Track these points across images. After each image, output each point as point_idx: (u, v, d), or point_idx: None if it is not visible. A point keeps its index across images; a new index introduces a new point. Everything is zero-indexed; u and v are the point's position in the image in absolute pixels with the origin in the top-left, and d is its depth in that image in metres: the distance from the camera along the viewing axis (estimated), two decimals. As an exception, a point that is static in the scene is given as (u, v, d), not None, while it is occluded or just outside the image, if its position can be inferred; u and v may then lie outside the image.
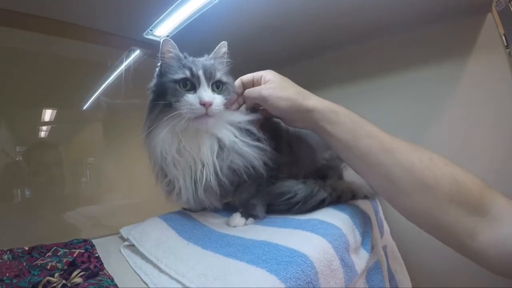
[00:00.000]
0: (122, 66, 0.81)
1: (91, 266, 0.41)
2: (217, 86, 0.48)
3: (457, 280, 0.70)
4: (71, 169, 0.79)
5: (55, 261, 0.43)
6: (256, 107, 0.52)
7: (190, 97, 0.45)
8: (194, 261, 0.37)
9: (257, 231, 0.45)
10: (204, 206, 0.54)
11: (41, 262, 0.43)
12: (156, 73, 0.50)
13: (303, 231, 0.42)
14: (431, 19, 0.73)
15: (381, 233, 0.59)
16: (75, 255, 0.45)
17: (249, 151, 0.47)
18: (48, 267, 0.42)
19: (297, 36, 0.82)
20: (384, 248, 0.59)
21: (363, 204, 0.55)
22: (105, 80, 0.82)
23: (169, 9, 0.65)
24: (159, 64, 0.49)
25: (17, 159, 0.71)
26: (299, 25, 0.75)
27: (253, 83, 0.50)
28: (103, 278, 0.38)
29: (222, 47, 0.51)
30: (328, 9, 0.68)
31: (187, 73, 0.46)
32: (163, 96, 0.46)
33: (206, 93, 0.45)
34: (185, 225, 0.49)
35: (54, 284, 0.36)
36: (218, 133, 0.47)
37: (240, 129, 0.48)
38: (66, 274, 0.39)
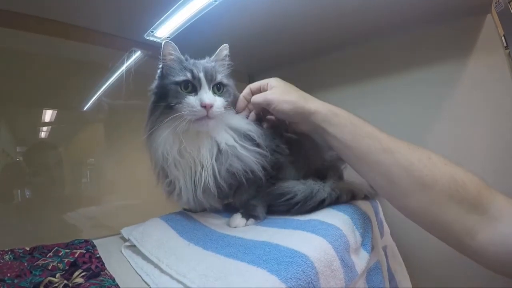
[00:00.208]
0: (123, 67, 0.81)
1: (93, 267, 0.41)
2: (218, 88, 0.48)
3: (457, 280, 0.70)
4: (71, 170, 0.79)
5: (56, 262, 0.43)
6: (265, 113, 0.54)
7: (191, 99, 0.45)
8: (195, 262, 0.37)
9: (257, 231, 0.45)
10: (204, 207, 0.55)
11: (43, 262, 0.43)
12: (157, 75, 0.50)
13: (304, 232, 0.42)
14: (430, 20, 0.73)
15: (381, 233, 0.59)
16: (76, 255, 0.46)
17: (248, 155, 0.47)
18: (50, 268, 0.42)
19: (298, 37, 0.82)
20: (384, 248, 0.59)
21: (363, 204, 0.56)
22: (106, 81, 0.82)
23: (170, 11, 0.65)
24: (160, 66, 0.50)
25: (18, 159, 0.70)
26: (300, 26, 0.75)
27: (260, 90, 0.53)
28: (105, 278, 0.38)
29: (224, 49, 0.52)
30: (329, 10, 0.68)
31: (188, 75, 0.46)
32: (165, 98, 0.46)
33: (207, 95, 0.45)
34: (186, 226, 0.49)
35: (56, 284, 0.36)
36: (218, 137, 0.48)
37: (239, 133, 0.49)
38: (68, 274, 0.39)
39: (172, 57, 0.48)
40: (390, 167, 0.41)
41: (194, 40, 0.71)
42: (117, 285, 0.37)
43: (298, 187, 0.51)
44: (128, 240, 0.48)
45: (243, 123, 0.50)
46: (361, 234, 0.48)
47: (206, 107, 0.44)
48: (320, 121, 0.47)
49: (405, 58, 0.81)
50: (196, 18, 0.67)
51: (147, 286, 0.37)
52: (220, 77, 0.48)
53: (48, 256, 0.46)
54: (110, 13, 0.66)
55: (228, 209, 0.56)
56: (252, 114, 0.53)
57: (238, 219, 0.50)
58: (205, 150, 0.47)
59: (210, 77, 0.47)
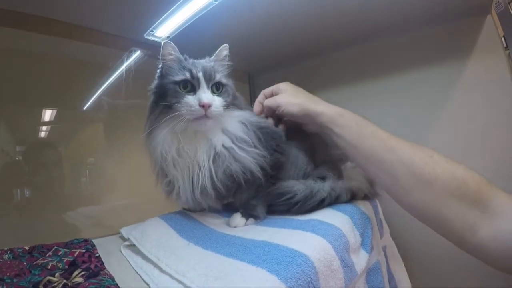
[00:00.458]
0: (123, 67, 0.81)
1: (92, 266, 0.41)
2: (217, 88, 0.48)
3: (457, 280, 0.70)
4: (71, 169, 0.79)
5: (55, 261, 0.43)
6: (280, 117, 0.57)
7: (190, 99, 0.45)
8: (194, 261, 0.37)
9: (257, 231, 0.45)
10: (203, 206, 0.55)
11: (42, 261, 0.43)
12: (157, 74, 0.51)
13: (304, 232, 0.42)
14: (430, 20, 0.73)
15: (381, 233, 0.59)
16: (75, 254, 0.46)
17: (246, 156, 0.47)
18: (49, 267, 0.42)
19: (298, 37, 0.82)
20: (384, 248, 0.59)
21: (363, 204, 0.56)
22: (106, 80, 0.82)
23: (170, 10, 0.65)
24: (160, 66, 0.50)
25: (17, 159, 0.70)
26: (300, 26, 0.75)
27: (272, 94, 0.57)
28: (104, 277, 0.38)
29: (224, 49, 0.52)
30: (328, 10, 0.68)
31: (187, 74, 0.46)
32: (164, 97, 0.46)
33: (205, 94, 0.45)
34: (185, 225, 0.49)
35: (55, 284, 0.36)
36: (214, 139, 0.47)
37: (236, 135, 0.49)
38: (67, 273, 0.39)
39: (171, 57, 0.48)
40: (393, 165, 0.42)
41: (194, 40, 0.71)
42: (117, 284, 0.37)
43: (297, 187, 0.51)
44: (128, 239, 0.48)
45: (240, 125, 0.49)
46: (361, 234, 0.48)
47: (204, 106, 0.44)
48: (326, 122, 0.49)
49: (405, 58, 0.81)
50: (196, 18, 0.67)
51: (146, 286, 0.37)
52: (219, 77, 0.48)
53: (47, 255, 0.46)
54: (110, 13, 0.66)
55: (228, 209, 0.56)
56: (270, 120, 0.56)
57: (238, 218, 0.50)
58: (202, 151, 0.47)
59: (209, 77, 0.47)
